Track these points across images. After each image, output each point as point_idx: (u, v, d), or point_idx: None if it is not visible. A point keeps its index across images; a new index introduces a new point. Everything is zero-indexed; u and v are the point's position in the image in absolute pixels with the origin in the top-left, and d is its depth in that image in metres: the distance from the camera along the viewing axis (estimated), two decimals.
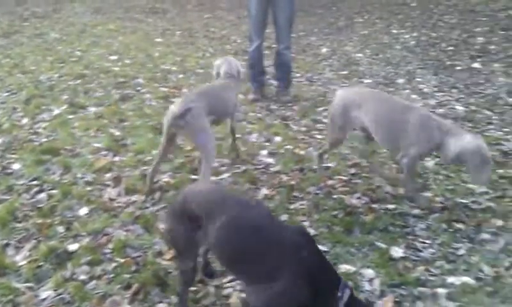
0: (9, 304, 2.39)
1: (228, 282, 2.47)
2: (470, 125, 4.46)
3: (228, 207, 2.02)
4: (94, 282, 2.53)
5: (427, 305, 2.31)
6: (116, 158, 3.77)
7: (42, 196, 3.32)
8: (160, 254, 2.72)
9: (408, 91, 5.47)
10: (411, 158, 3.06)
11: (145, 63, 6.32)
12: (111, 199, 3.24)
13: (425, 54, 6.88)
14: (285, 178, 3.52)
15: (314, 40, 7.87)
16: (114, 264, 2.64)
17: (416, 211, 3.08)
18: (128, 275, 2.55)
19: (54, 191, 3.36)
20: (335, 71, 6.27)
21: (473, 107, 4.91)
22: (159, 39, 7.83)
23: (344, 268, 2.55)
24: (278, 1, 4.87)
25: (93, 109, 4.76)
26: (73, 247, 2.78)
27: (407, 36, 7.81)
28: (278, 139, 4.17)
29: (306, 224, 2.96)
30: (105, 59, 6.52)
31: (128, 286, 2.48)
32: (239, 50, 7.09)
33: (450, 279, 2.47)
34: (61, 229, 2.96)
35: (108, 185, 3.41)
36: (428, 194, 3.28)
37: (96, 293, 2.44)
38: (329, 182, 3.45)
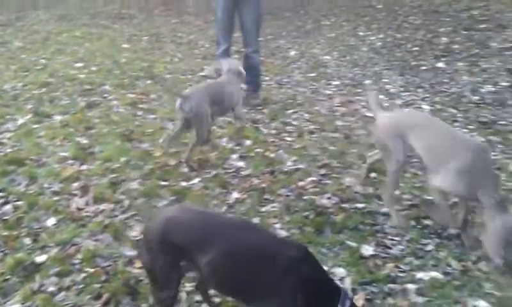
0: None
1: None
2: None
3: (220, 236, 1.95)
4: (63, 293, 2.47)
5: (397, 301, 2.34)
6: (84, 167, 3.70)
7: (8, 207, 3.23)
8: (130, 262, 2.67)
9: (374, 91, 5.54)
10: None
11: (112, 70, 6.23)
12: (79, 209, 3.18)
13: (391, 55, 7.01)
14: (256, 181, 3.53)
15: (283, 43, 7.92)
16: (83, 274, 2.59)
17: (385, 209, 3.12)
18: (98, 285, 2.50)
19: (19, 202, 3.27)
20: (304, 74, 6.32)
21: (438, 106, 5.03)
22: (125, 45, 7.74)
23: None
24: (243, 5, 4.89)
25: (58, 118, 4.66)
26: (41, 258, 2.71)
27: (373, 38, 7.94)
28: (248, 142, 4.17)
29: (277, 226, 2.97)
30: (71, 66, 6.40)
31: (98, 296, 2.43)
32: (207, 55, 7.07)
33: (419, 275, 2.52)
34: (28, 241, 2.88)
35: (76, 195, 3.34)
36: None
37: (66, 305, 2.39)
38: (300, 184, 3.47)
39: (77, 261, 2.70)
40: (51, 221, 3.07)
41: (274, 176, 3.60)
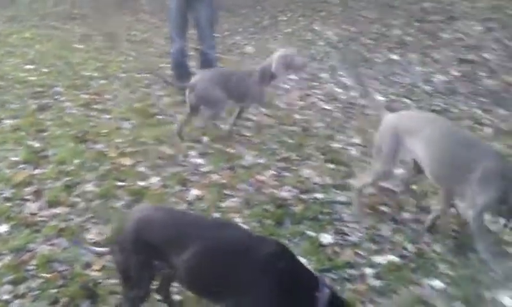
0: None
1: None
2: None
3: (195, 234, 1.94)
4: (18, 301, 2.38)
5: (356, 286, 2.39)
6: (37, 171, 3.57)
7: None
8: (88, 265, 2.61)
9: (331, 84, 5.63)
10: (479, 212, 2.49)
11: (64, 71, 6.04)
12: (32, 214, 3.07)
13: (347, 49, 7.11)
14: (215, 177, 3.51)
15: (239, 39, 7.90)
16: (39, 280, 2.51)
17: (343, 198, 3.18)
18: (55, 290, 2.43)
19: None
20: None
21: (393, 97, 5.14)
22: (78, 46, 7.52)
23: None
24: (197, 2, 4.85)
25: (9, 122, 4.48)
26: None
27: (329, 32, 8.03)
28: (207, 139, 4.15)
29: (238, 220, 2.97)
30: (21, 68, 6.16)
31: (55, 302, 2.37)
32: (162, 53, 6.96)
33: (377, 259, 2.58)
34: None
35: (28, 200, 3.23)
36: (352, 181, 3.39)
37: None
38: (260, 178, 3.48)
39: (31, 267, 2.61)
40: (3, 228, 2.95)
41: (234, 171, 3.60)
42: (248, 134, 4.25)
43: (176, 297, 2.33)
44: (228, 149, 3.93)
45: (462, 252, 2.61)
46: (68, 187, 3.27)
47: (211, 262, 1.89)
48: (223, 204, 3.16)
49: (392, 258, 2.58)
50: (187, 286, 2.09)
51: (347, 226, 2.89)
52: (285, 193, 3.26)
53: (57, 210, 3.10)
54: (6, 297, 2.40)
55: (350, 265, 2.54)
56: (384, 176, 2.88)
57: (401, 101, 5.02)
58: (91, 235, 2.85)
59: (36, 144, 3.99)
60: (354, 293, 2.35)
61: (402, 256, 2.60)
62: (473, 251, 2.61)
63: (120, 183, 3.38)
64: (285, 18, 8.99)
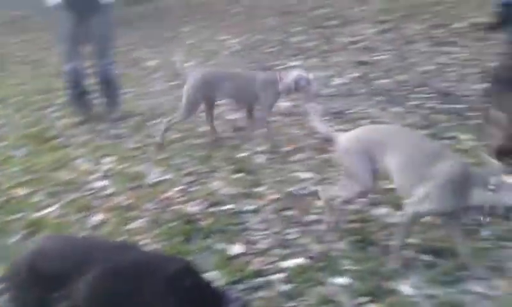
0: None
1: None
2: (296, 118, 4.78)
3: (94, 259, 1.85)
4: None
5: (265, 293, 2.41)
6: None
7: None
8: None
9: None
10: None
11: None
12: None
13: (250, 57, 7.23)
14: (120, 198, 3.40)
15: (142, 53, 7.77)
16: None
17: (251, 207, 3.20)
18: None
19: None
20: (166, 83, 6.25)
21: (297, 102, 5.26)
22: None
23: None
24: (91, 17, 4.68)
25: None
26: None
27: (233, 41, 8.12)
28: (109, 159, 4.01)
29: (146, 241, 2.89)
30: None
31: None
32: (58, 72, 6.65)
33: (286, 264, 2.61)
34: None
35: None
36: (260, 188, 3.44)
37: None
38: (167, 195, 3.42)
39: None
40: None
41: (139, 191, 3.50)
42: (153, 150, 4.16)
43: None
44: (132, 169, 3.82)
45: (364, 247, 2.73)
46: None
47: (113, 286, 1.82)
48: (129, 227, 3.06)
49: (299, 260, 2.62)
50: None
51: (256, 235, 2.91)
52: (193, 208, 3.23)
53: None
54: None
55: (259, 273, 2.55)
56: (365, 193, 2.74)
57: (303, 106, 5.14)
58: None
59: None
60: (263, 301, 2.36)
61: (308, 258, 2.65)
62: (374, 245, 2.74)
63: (13, 217, 3.15)
64: (188, 30, 8.98)
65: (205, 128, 4.68)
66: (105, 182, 3.64)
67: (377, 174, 2.63)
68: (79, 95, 4.90)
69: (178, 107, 4.22)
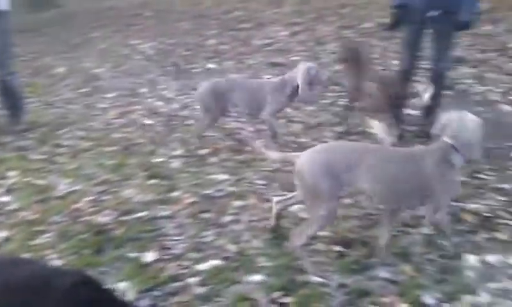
0: None
1: None
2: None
3: None
4: None
5: (181, 298, 2.38)
6: None
7: None
8: None
9: (151, 99, 5.57)
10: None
11: None
12: None
13: (165, 61, 7.13)
14: (25, 213, 3.20)
15: (49, 61, 7.40)
16: None
17: (166, 212, 3.15)
18: None
19: None
20: (75, 90, 6.01)
21: None
22: None
23: None
24: None
25: None
26: None
27: (145, 46, 7.97)
28: (14, 173, 3.77)
29: (52, 256, 2.75)
30: None
31: None
32: None
33: (201, 267, 2.60)
34: None
35: None
36: (176, 193, 3.39)
37: None
38: (76, 206, 3.27)
39: None
40: None
41: (47, 204, 3.32)
42: (61, 161, 3.98)
43: None
44: (39, 181, 3.62)
45: (279, 243, 2.78)
46: None
47: (7, 302, 1.72)
48: (35, 242, 2.90)
49: (215, 262, 2.62)
50: None
51: (171, 240, 2.86)
52: (104, 218, 3.11)
53: None
54: None
55: (174, 278, 2.52)
56: (330, 219, 2.52)
57: None
58: None
59: None
60: (179, 305, 2.34)
61: (224, 258, 2.66)
62: (289, 240, 2.80)
63: None
64: (98, 35, 8.69)
65: (118, 134, 4.55)
66: (9, 197, 3.42)
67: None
68: None
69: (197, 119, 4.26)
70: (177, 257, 2.70)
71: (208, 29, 8.70)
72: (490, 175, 3.36)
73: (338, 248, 2.70)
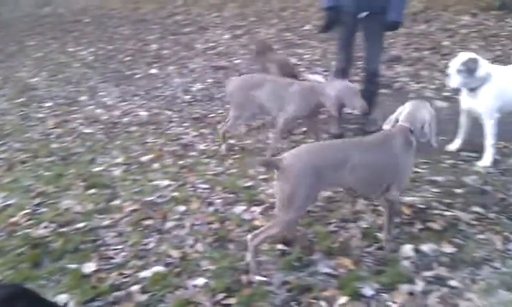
0: None
1: None
2: (154, 127, 4.73)
3: None
4: None
5: (123, 306, 2.34)
6: None
7: None
8: None
9: (91, 106, 5.44)
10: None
11: None
12: None
13: (105, 68, 6.98)
14: None
15: None
16: None
17: (106, 222, 3.09)
18: None
19: None
20: (11, 101, 5.77)
21: (155, 110, 5.21)
22: None
23: None
24: None
25: None
26: None
27: (84, 53, 7.78)
28: None
29: None
30: None
31: None
32: None
33: (143, 274, 2.58)
34: None
35: None
36: (117, 202, 3.34)
37: None
38: (12, 220, 3.15)
39: None
40: None
41: None
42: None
43: None
44: None
45: (222, 245, 2.79)
46: None
47: None
48: None
49: (157, 268, 2.60)
50: None
51: (112, 249, 2.82)
52: (41, 230, 3.02)
53: None
54: None
55: (116, 287, 2.48)
56: (292, 225, 2.61)
57: (163, 113, 5.12)
58: None
59: None
60: None
61: (167, 264, 2.64)
62: (232, 242, 2.82)
63: None
64: (34, 43, 8.40)
65: (57, 144, 4.42)
66: None
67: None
68: None
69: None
70: (119, 266, 2.66)
71: (150, 34, 8.61)
72: (425, 168, 3.52)
73: (280, 246, 2.74)
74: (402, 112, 2.65)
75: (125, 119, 5.00)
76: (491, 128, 3.54)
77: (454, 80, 3.48)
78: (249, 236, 2.53)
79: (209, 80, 6.11)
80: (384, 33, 3.94)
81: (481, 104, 3.52)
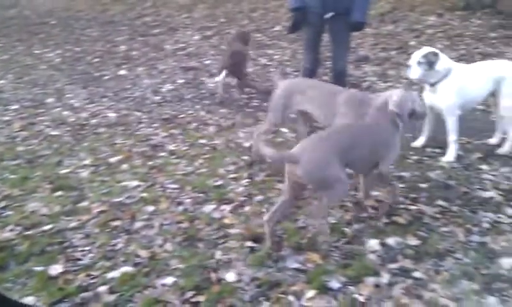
0: None
1: None
2: (123, 128, 4.69)
3: None
4: None
5: (91, 306, 2.32)
6: None
7: None
8: None
9: (59, 109, 5.36)
10: None
11: None
12: None
13: (72, 70, 6.89)
14: None
15: None
16: None
17: (74, 223, 3.05)
18: None
19: None
20: None
21: (124, 112, 5.17)
22: None
23: None
24: None
25: None
26: None
27: (51, 55, 7.65)
28: None
29: None
30: None
31: None
32: None
33: (111, 275, 2.55)
34: None
35: None
36: (85, 203, 3.30)
37: None
38: None
39: None
40: None
41: None
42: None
43: None
44: None
45: (192, 244, 2.79)
46: None
47: None
48: None
49: (125, 269, 2.58)
50: None
51: (79, 251, 2.78)
52: (7, 234, 2.96)
53: None
54: None
55: (83, 288, 2.45)
56: (343, 195, 2.83)
57: (133, 114, 5.08)
58: None
59: None
60: None
61: (135, 264, 2.63)
62: (201, 240, 2.82)
63: None
64: (0, 45, 8.19)
65: (23, 147, 4.34)
66: None
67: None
68: None
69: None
70: (86, 267, 2.63)
71: (118, 35, 8.53)
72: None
73: (249, 243, 2.76)
74: (392, 97, 2.88)
75: (93, 121, 4.94)
76: (453, 124, 3.65)
77: (415, 71, 3.61)
78: (312, 227, 2.80)
79: (179, 81, 6.10)
80: (350, 33, 4.01)
81: (441, 100, 3.63)
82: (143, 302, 2.35)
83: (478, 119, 4.31)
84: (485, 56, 5.61)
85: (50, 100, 5.68)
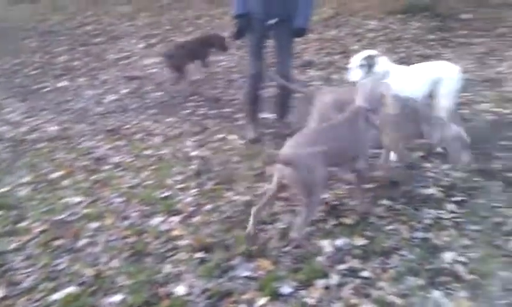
0: None
1: None
2: (64, 142, 4.52)
3: None
4: None
5: None
6: None
7: None
8: None
9: None
10: None
11: None
12: None
13: (10, 82, 6.59)
14: None
15: None
16: None
17: (14, 245, 2.90)
18: None
19: None
20: None
21: (65, 124, 4.98)
22: None
23: None
24: None
25: None
26: None
27: None
28: None
29: None
30: None
31: None
32: None
33: (54, 296, 2.46)
34: None
35: None
36: (24, 223, 3.15)
37: None
38: None
39: None
40: None
41: None
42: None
43: None
44: None
45: (139, 259, 2.72)
46: None
47: None
48: None
49: (69, 289, 2.48)
50: None
51: (20, 274, 2.65)
52: None
53: None
54: None
55: None
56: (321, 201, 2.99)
57: (74, 127, 4.90)
58: None
59: None
60: None
61: (80, 284, 2.53)
62: (149, 255, 2.76)
63: None
64: None
65: None
66: None
67: None
68: None
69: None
70: (28, 290, 2.51)
71: (58, 46, 8.23)
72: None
73: (199, 254, 2.73)
74: (359, 93, 2.95)
75: (33, 136, 4.75)
76: None
77: (355, 74, 3.73)
78: (292, 234, 2.75)
79: (123, 91, 5.95)
80: (293, 39, 4.05)
81: None
82: None
83: None
84: (424, 58, 5.81)
85: None
